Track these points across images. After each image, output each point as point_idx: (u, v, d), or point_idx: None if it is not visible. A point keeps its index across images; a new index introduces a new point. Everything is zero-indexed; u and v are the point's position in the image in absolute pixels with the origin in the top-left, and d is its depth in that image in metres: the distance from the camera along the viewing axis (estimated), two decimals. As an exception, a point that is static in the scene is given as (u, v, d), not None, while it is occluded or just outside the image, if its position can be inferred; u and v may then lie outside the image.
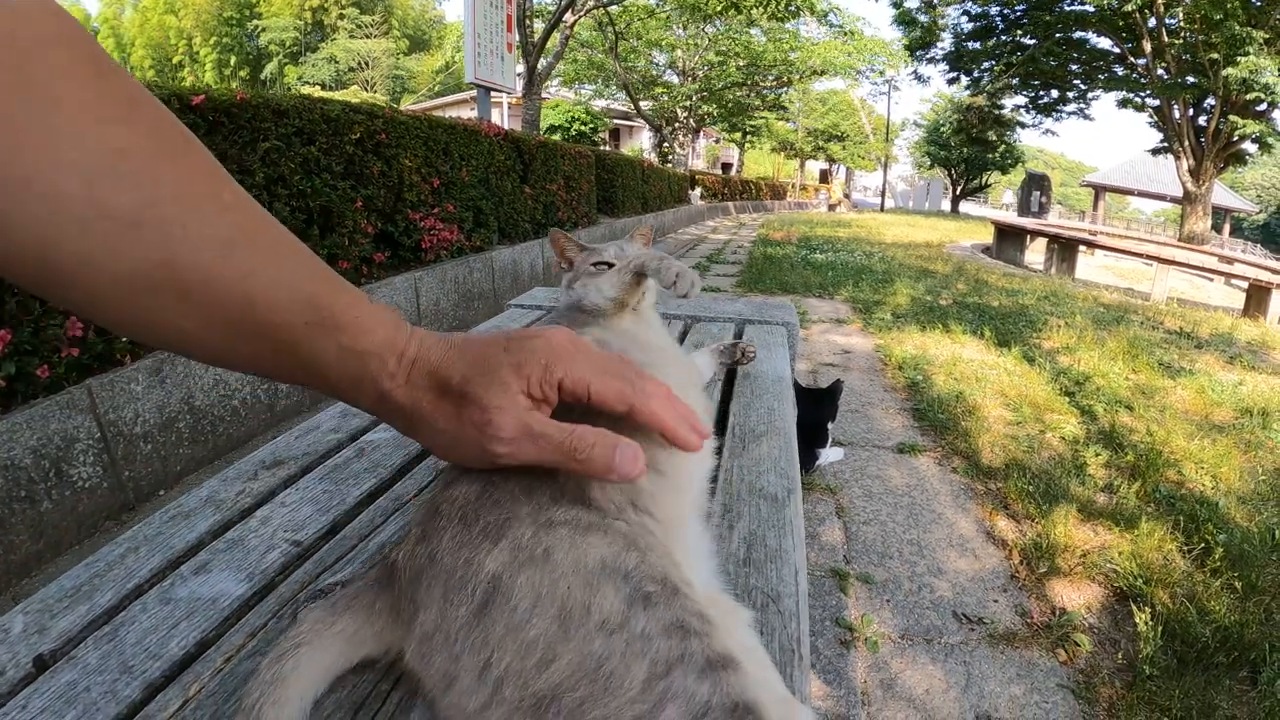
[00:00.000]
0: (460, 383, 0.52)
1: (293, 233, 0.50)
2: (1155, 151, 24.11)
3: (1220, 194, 29.85)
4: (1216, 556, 2.18)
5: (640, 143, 32.75)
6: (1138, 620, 1.87)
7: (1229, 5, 15.35)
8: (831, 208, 38.52)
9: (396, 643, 0.54)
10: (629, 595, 0.49)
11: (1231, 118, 17.98)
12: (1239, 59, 15.91)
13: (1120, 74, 21.57)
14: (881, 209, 37.15)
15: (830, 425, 2.70)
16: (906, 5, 23.97)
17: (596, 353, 0.57)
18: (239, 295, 0.46)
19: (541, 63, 12.05)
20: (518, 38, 9.75)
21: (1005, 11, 23.06)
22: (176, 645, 0.62)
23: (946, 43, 24.87)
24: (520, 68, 10.73)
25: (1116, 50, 21.05)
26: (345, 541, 0.78)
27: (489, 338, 0.56)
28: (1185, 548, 2.27)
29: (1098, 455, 2.97)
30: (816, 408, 2.63)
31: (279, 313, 0.48)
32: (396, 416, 0.55)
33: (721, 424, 1.13)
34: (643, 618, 0.47)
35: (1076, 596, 2.05)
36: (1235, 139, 18.81)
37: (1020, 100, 26.83)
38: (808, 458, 2.62)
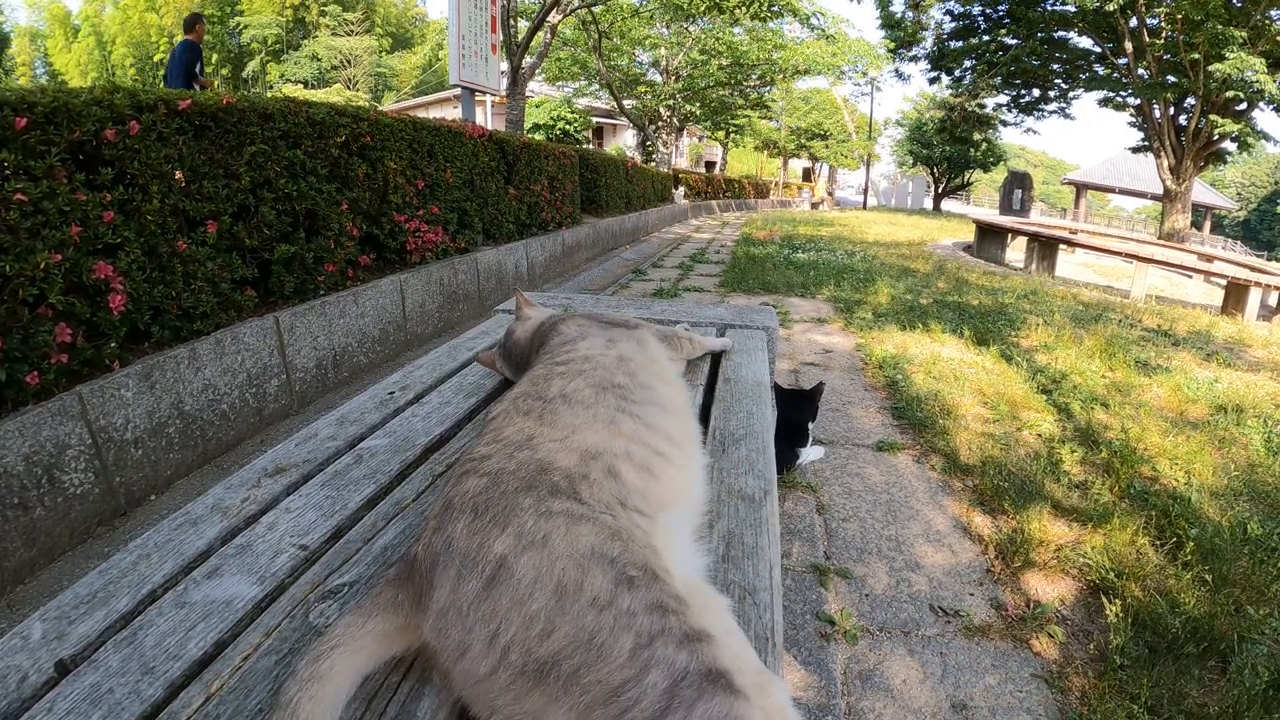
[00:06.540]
0: None
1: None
2: (1136, 149, 24.27)
3: (1201, 191, 30.14)
4: (1188, 550, 2.23)
5: (624, 141, 32.73)
6: (1109, 612, 1.93)
7: (1210, 5, 15.50)
8: (815, 206, 38.72)
9: (418, 629, 0.61)
10: (615, 577, 0.56)
11: (1212, 117, 18.14)
12: (1226, 56, 16.04)
13: (1101, 73, 21.66)
14: (864, 207, 37.33)
15: (811, 425, 2.75)
16: (891, 9, 23.99)
17: None
18: None
19: (525, 62, 12.06)
20: (501, 38, 9.75)
21: (987, 11, 23.16)
22: (195, 646, 0.66)
23: (928, 42, 24.93)
24: (504, 67, 10.73)
25: (1098, 50, 21.17)
26: (350, 545, 0.82)
27: None
28: (1157, 542, 2.33)
29: (1073, 452, 3.03)
30: (798, 408, 2.68)
31: None
32: None
33: (703, 425, 1.17)
34: (628, 597, 0.55)
35: (1051, 590, 2.11)
36: (1215, 138, 18.95)
37: (1002, 99, 26.94)
38: (789, 457, 2.68)
